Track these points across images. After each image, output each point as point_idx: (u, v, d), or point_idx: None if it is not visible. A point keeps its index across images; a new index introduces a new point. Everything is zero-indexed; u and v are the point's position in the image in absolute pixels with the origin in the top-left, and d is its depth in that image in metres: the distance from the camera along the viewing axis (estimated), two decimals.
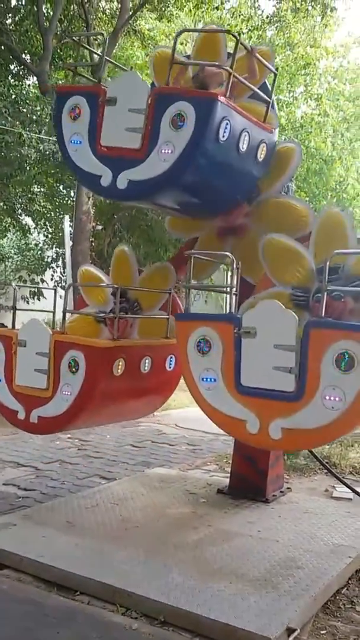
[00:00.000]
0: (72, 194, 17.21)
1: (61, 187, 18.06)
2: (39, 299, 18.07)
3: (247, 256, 5.54)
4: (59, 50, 15.47)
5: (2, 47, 14.61)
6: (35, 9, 14.22)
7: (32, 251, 22.22)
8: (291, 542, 4.94)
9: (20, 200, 17.14)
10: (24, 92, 14.93)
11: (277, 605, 3.87)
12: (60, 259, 19.26)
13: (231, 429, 4.87)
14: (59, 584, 4.24)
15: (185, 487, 6.33)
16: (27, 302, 18.15)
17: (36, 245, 21.83)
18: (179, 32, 5.37)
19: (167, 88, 4.87)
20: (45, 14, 14.78)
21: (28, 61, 15.28)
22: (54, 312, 6.02)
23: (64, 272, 17.63)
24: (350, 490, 6.29)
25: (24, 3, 15.35)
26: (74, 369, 5.10)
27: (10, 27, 15.10)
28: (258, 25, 17.33)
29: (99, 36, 13.26)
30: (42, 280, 20.48)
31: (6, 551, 4.57)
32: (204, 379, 4.73)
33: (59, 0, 14.03)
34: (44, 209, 18.36)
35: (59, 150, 13.36)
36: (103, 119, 4.91)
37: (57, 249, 19.56)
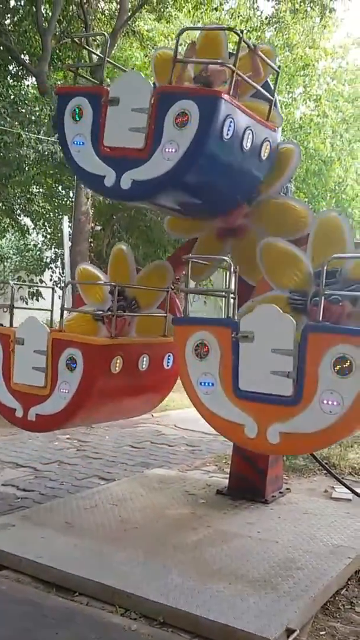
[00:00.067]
0: (71, 194, 17.23)
1: (60, 188, 18.07)
2: (37, 300, 18.07)
3: (247, 257, 5.54)
4: (57, 51, 15.45)
5: (1, 48, 14.59)
6: (34, 9, 14.21)
7: (30, 252, 22.24)
8: (290, 543, 4.94)
9: (19, 200, 17.15)
10: (23, 93, 14.92)
11: (277, 606, 3.86)
12: (59, 260, 19.27)
13: (229, 433, 4.87)
14: (58, 584, 4.23)
15: (184, 488, 6.33)
16: (26, 303, 18.14)
17: (35, 245, 21.84)
18: (181, 31, 5.36)
19: (170, 87, 4.85)
20: (44, 15, 14.78)
21: (27, 62, 15.27)
22: (51, 311, 6.03)
23: (63, 273, 17.63)
24: (349, 491, 6.29)
25: (22, 3, 15.34)
26: (71, 367, 5.11)
27: (9, 28, 15.08)
28: (257, 26, 17.34)
29: (100, 37, 13.24)
30: (41, 281, 20.49)
31: (5, 552, 4.57)
32: (202, 383, 4.73)
33: (58, 1, 14.02)
34: (42, 210, 18.36)
35: (57, 150, 13.38)
36: (106, 120, 4.89)
37: (56, 250, 19.57)
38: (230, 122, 4.63)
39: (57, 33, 14.99)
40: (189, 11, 16.52)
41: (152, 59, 5.97)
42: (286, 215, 5.54)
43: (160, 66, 5.63)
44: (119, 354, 5.27)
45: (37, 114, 14.00)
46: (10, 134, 13.21)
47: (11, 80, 15.33)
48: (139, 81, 4.92)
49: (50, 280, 19.65)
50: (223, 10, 17.42)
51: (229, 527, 5.24)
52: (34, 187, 17.18)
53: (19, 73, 15.82)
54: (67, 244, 16.06)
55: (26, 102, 14.29)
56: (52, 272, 19.93)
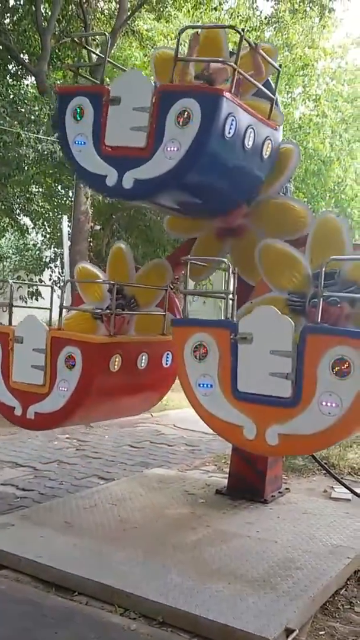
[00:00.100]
0: (70, 194, 17.22)
1: (59, 187, 18.05)
2: (37, 299, 18.06)
3: (246, 257, 5.54)
4: (57, 50, 15.44)
5: (0, 47, 14.57)
6: (34, 8, 14.19)
7: (30, 251, 22.23)
8: (290, 542, 4.94)
9: (18, 200, 17.13)
10: (22, 92, 14.91)
11: (276, 606, 3.87)
12: (59, 259, 19.26)
13: (228, 435, 4.87)
14: (57, 584, 4.24)
15: (183, 487, 6.33)
16: (26, 302, 18.13)
17: (34, 245, 21.82)
18: (182, 29, 5.34)
19: (172, 85, 4.84)
20: (44, 14, 14.76)
21: (26, 61, 15.24)
22: (50, 309, 6.03)
23: (62, 272, 17.62)
24: (348, 491, 6.30)
25: (22, 3, 15.31)
26: (70, 365, 5.11)
27: (9, 27, 15.05)
28: (256, 26, 17.32)
29: (101, 36, 13.23)
30: (40, 281, 20.47)
31: (4, 551, 4.57)
32: (201, 385, 4.74)
33: (57, 0, 14.00)
34: (42, 209, 18.34)
35: (57, 150, 13.37)
36: (107, 119, 4.88)
37: (56, 249, 19.55)
38: (232, 120, 4.62)
39: (57, 32, 14.97)
40: (189, 11, 16.50)
41: (152, 58, 5.97)
42: (285, 215, 5.54)
43: (160, 66, 5.62)
44: (118, 352, 5.28)
45: (37, 113, 13.99)
46: (10, 133, 13.19)
47: (10, 80, 15.31)
48: (140, 80, 4.91)
49: (50, 279, 19.63)
50: (222, 10, 17.40)
51: (228, 526, 5.25)
52: (34, 186, 17.16)
53: (19, 72, 15.80)
54: (66, 243, 16.06)
55: (25, 101, 14.28)
56: (52, 272, 19.91)
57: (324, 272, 4.43)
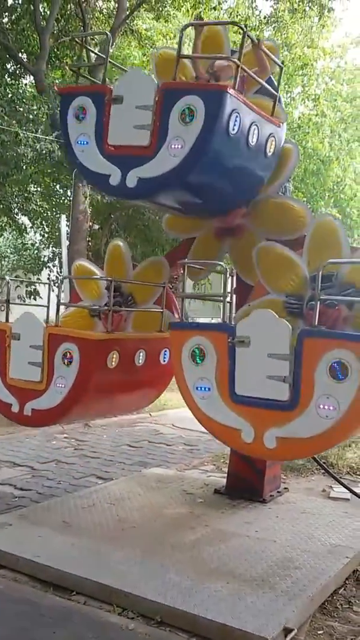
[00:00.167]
0: (68, 193, 17.18)
1: (58, 187, 18.03)
2: (34, 299, 18.05)
3: (245, 257, 5.53)
4: (55, 50, 15.43)
5: None
6: (32, 7, 14.18)
7: (28, 251, 22.21)
8: (288, 542, 4.94)
9: (16, 199, 17.09)
10: (21, 91, 14.86)
11: (275, 606, 3.86)
12: (57, 259, 19.24)
13: (226, 438, 4.87)
14: (55, 584, 4.23)
15: (182, 487, 6.32)
16: (24, 301, 18.12)
17: (32, 244, 21.80)
18: (185, 26, 5.31)
19: (175, 83, 4.82)
20: (42, 13, 14.74)
21: (25, 60, 15.22)
22: (48, 307, 6.02)
23: (61, 272, 17.60)
24: (347, 491, 6.29)
25: (20, 2, 15.28)
26: (67, 362, 5.10)
27: (7, 26, 15.03)
28: (255, 25, 17.30)
29: (100, 36, 13.23)
30: (39, 280, 20.44)
31: (2, 551, 4.56)
32: (199, 388, 4.74)
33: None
34: (40, 209, 18.32)
35: (55, 149, 13.34)
36: (110, 118, 4.88)
37: (54, 249, 19.53)
38: (236, 116, 4.60)
39: (55, 32, 14.95)
40: (188, 10, 16.49)
41: (154, 58, 5.95)
42: (285, 214, 5.53)
43: (161, 65, 5.61)
44: (115, 349, 5.28)
45: (35, 112, 13.95)
46: (8, 132, 13.16)
47: (9, 79, 15.28)
48: (143, 78, 4.91)
49: (48, 279, 19.61)
50: (222, 9, 17.38)
51: (227, 526, 5.24)
52: (32, 185, 17.13)
53: (17, 72, 15.77)
54: (64, 242, 16.05)
55: (24, 100, 14.25)
56: (50, 271, 19.88)
57: (322, 275, 4.43)
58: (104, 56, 5.38)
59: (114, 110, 4.87)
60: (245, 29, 4.77)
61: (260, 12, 17.68)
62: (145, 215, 15.91)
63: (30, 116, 13.90)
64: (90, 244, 16.20)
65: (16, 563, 4.45)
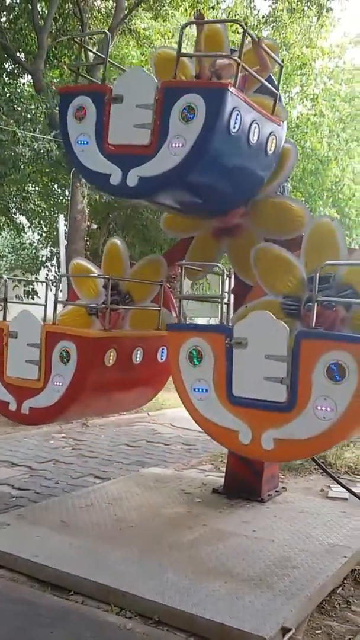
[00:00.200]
0: (66, 192, 17.17)
1: (56, 186, 18.02)
2: (32, 299, 18.04)
3: (243, 256, 5.53)
4: (53, 49, 15.42)
5: None
6: (30, 7, 14.17)
7: (26, 250, 22.21)
8: (286, 541, 4.94)
9: (14, 199, 17.08)
10: (19, 91, 14.85)
11: (272, 605, 3.86)
12: (55, 258, 19.24)
13: (223, 440, 4.87)
14: (53, 583, 4.22)
15: (180, 486, 6.32)
16: (21, 301, 18.12)
17: (30, 244, 21.79)
18: (185, 24, 5.30)
19: (176, 81, 4.81)
20: (40, 13, 14.72)
21: (23, 59, 15.21)
22: (45, 305, 6.02)
23: (59, 271, 17.60)
24: (345, 490, 6.29)
25: (18, 1, 15.28)
26: (65, 360, 5.11)
27: (5, 26, 15.02)
28: (254, 25, 17.29)
29: (98, 35, 13.23)
30: (37, 279, 20.45)
31: (0, 551, 4.55)
32: (196, 390, 4.74)
33: None
34: (38, 208, 18.32)
35: (53, 149, 13.33)
36: (110, 118, 4.86)
37: (52, 248, 19.54)
38: (237, 114, 4.58)
39: (53, 31, 14.95)
40: (186, 10, 16.49)
41: (153, 58, 5.94)
42: (283, 214, 5.53)
43: (160, 65, 5.60)
44: (113, 347, 5.28)
45: (33, 112, 13.94)
46: (6, 132, 13.15)
47: (7, 78, 15.27)
48: (143, 77, 4.89)
49: (46, 278, 19.59)
50: (220, 9, 17.38)
51: (225, 526, 5.24)
52: (30, 185, 17.12)
53: (15, 71, 15.77)
54: (62, 242, 16.05)
55: (22, 100, 14.23)
56: (48, 271, 19.89)
57: (319, 276, 4.44)
58: (102, 56, 5.37)
59: (114, 109, 4.86)
60: (245, 27, 4.76)
61: (258, 11, 17.70)
62: (144, 214, 15.91)
63: (28, 115, 13.88)
64: (88, 243, 16.20)
65: (14, 563, 4.45)
